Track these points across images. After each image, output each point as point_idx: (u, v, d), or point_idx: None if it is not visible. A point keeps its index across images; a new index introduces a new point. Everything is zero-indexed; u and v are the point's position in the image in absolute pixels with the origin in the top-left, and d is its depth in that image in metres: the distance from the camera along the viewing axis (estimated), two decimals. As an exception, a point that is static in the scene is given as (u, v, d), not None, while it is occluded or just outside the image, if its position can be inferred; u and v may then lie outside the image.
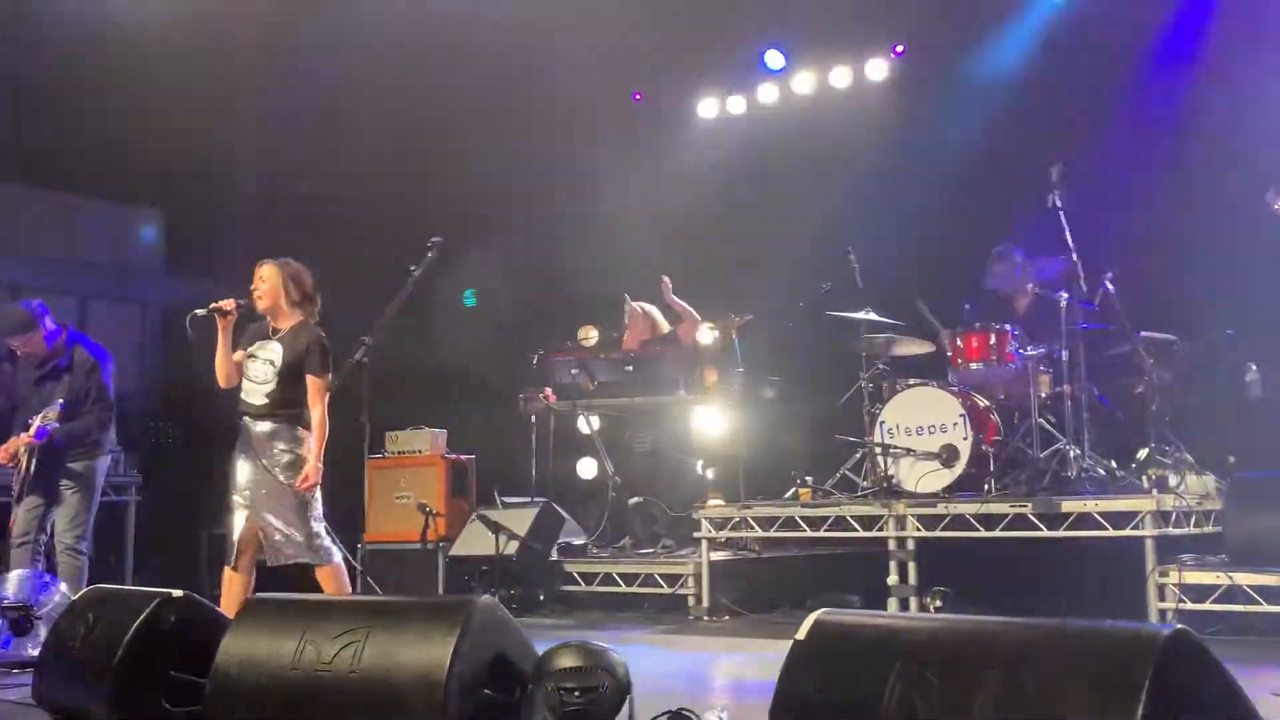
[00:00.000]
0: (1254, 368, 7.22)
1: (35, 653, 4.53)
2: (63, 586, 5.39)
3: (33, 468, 6.11)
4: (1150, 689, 2.08)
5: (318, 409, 5.19)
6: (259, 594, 3.73)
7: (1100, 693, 2.13)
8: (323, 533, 5.20)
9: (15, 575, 5.62)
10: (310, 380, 5.21)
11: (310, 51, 8.99)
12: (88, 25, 8.40)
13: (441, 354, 9.44)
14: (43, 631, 4.69)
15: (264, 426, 5.20)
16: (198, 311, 5.28)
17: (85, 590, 4.36)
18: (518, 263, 9.83)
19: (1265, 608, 5.59)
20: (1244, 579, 5.65)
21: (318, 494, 5.19)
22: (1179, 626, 2.31)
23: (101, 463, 6.36)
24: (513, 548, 7.51)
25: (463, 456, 8.66)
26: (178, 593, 3.88)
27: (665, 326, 8.48)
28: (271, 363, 5.25)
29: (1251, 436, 6.93)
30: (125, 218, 11.03)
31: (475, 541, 7.76)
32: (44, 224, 10.43)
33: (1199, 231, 7.56)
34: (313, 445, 5.18)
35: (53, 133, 9.12)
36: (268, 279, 5.34)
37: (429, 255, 5.81)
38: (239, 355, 5.36)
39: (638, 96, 10.71)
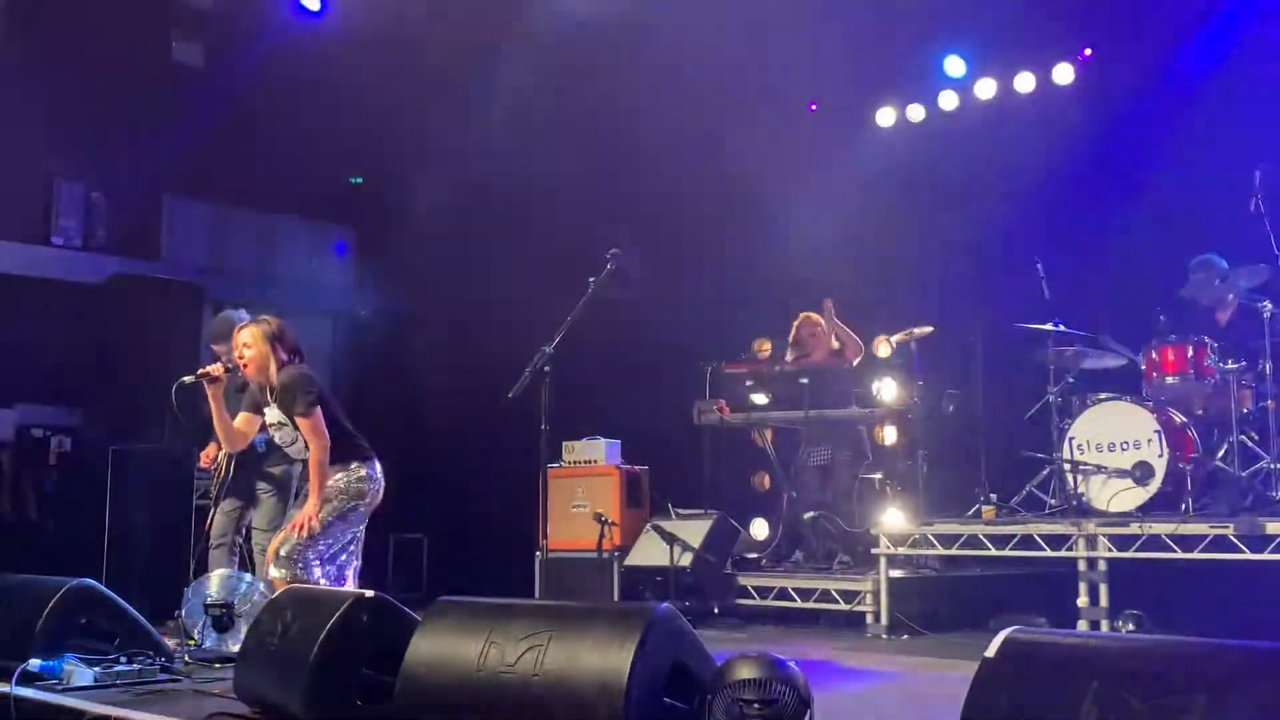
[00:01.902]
0: None
1: (236, 649, 4.76)
2: (262, 586, 5.65)
3: (231, 471, 6.45)
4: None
5: (312, 446, 5.17)
6: (447, 596, 3.83)
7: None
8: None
9: (218, 574, 5.92)
10: (298, 423, 5.20)
11: (498, 62, 9.25)
12: (277, 43, 8.85)
13: (618, 365, 9.56)
14: (243, 629, 4.92)
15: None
16: (185, 379, 5.23)
17: (283, 590, 4.56)
18: (696, 274, 9.88)
19: None
20: None
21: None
22: None
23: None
24: (687, 559, 7.52)
25: (637, 467, 8.73)
26: (370, 593, 4.02)
27: (837, 343, 8.35)
28: (284, 424, 5.26)
29: None
30: (318, 233, 11.57)
31: (650, 552, 7.81)
32: (243, 240, 11.05)
33: None
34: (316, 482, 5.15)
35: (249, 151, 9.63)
36: (252, 344, 5.26)
37: (609, 266, 5.88)
38: (240, 421, 5.36)
39: (813, 106, 10.64)
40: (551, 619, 3.45)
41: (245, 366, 5.31)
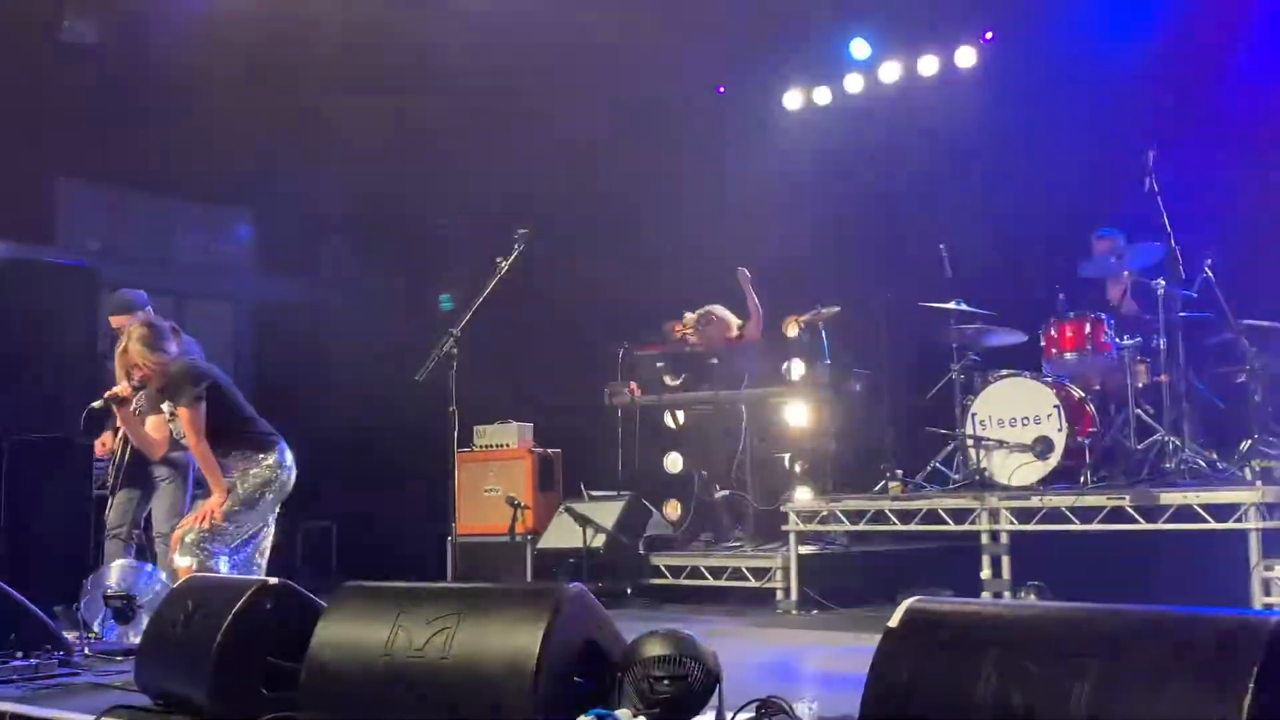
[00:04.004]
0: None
1: (137, 640, 4.65)
2: (163, 575, 5.52)
3: (128, 458, 6.28)
4: (1259, 677, 2.01)
5: (189, 439, 5.14)
6: (353, 581, 3.77)
7: (1205, 681, 2.06)
8: None
9: (118, 565, 5.77)
10: (178, 413, 5.16)
11: (395, 50, 9.12)
12: (176, 27, 8.62)
13: (530, 348, 9.52)
14: (145, 620, 4.81)
15: None
16: (94, 405, 5.16)
17: (184, 579, 4.46)
18: (604, 256, 9.86)
19: (1379, 603, 5.39)
20: (1356, 573, 5.45)
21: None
22: (1289, 615, 2.23)
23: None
24: (600, 540, 7.54)
25: (549, 450, 8.71)
26: (274, 580, 3.95)
27: (735, 325, 8.40)
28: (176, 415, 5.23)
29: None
30: (216, 217, 11.30)
31: (563, 534, 7.81)
32: (138, 224, 10.75)
33: (1250, 218, 7.31)
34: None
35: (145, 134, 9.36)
36: (141, 362, 5.13)
37: (517, 247, 5.84)
38: (151, 426, 5.31)
39: (721, 90, 10.67)
40: (460, 601, 3.42)
41: (146, 379, 5.19)
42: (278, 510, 5.38)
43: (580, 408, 9.01)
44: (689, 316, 8.41)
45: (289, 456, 5.32)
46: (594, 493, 8.23)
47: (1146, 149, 6.86)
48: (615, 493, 8.21)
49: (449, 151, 9.44)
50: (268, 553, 5.40)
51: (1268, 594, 5.71)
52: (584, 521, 7.51)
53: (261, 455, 5.23)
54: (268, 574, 5.07)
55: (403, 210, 9.91)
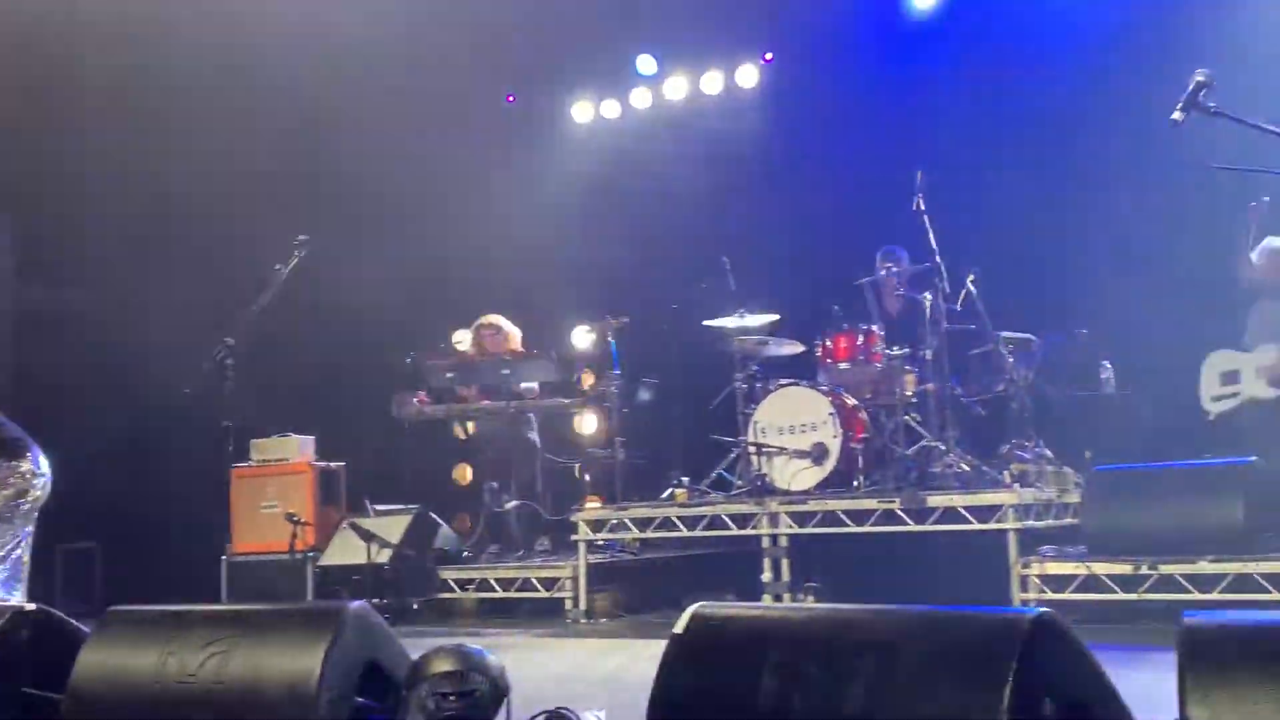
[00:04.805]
0: (1107, 365, 7.54)
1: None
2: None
3: None
4: (1017, 670, 2.14)
5: None
6: (118, 605, 3.57)
7: (970, 674, 2.18)
8: None
9: None
10: None
11: (167, 51, 8.70)
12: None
13: (310, 357, 9.22)
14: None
15: None
16: None
17: (-71, 609, 4.11)
18: (389, 264, 9.66)
19: (1121, 596, 5.82)
20: (1101, 569, 5.87)
21: None
22: (1044, 610, 2.38)
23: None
24: (385, 556, 7.37)
25: (333, 464, 8.47)
26: (31, 606, 3.70)
27: (517, 336, 8.38)
28: None
29: (1106, 431, 7.23)
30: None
31: (346, 550, 7.60)
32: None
33: (1056, 234, 7.85)
34: None
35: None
36: None
37: (296, 254, 5.66)
38: None
39: (511, 98, 10.65)
40: (234, 624, 3.29)
41: None
42: (33, 523, 5.01)
43: (365, 419, 8.80)
44: (487, 318, 8.34)
45: (44, 463, 4.97)
46: (379, 507, 8.03)
47: (915, 169, 7.24)
48: (402, 506, 8.04)
49: (229, 154, 9.05)
50: (28, 567, 5.04)
51: (1024, 590, 6.08)
52: (368, 537, 7.33)
53: (14, 462, 4.88)
54: (25, 600, 4.74)
55: (179, 215, 9.45)
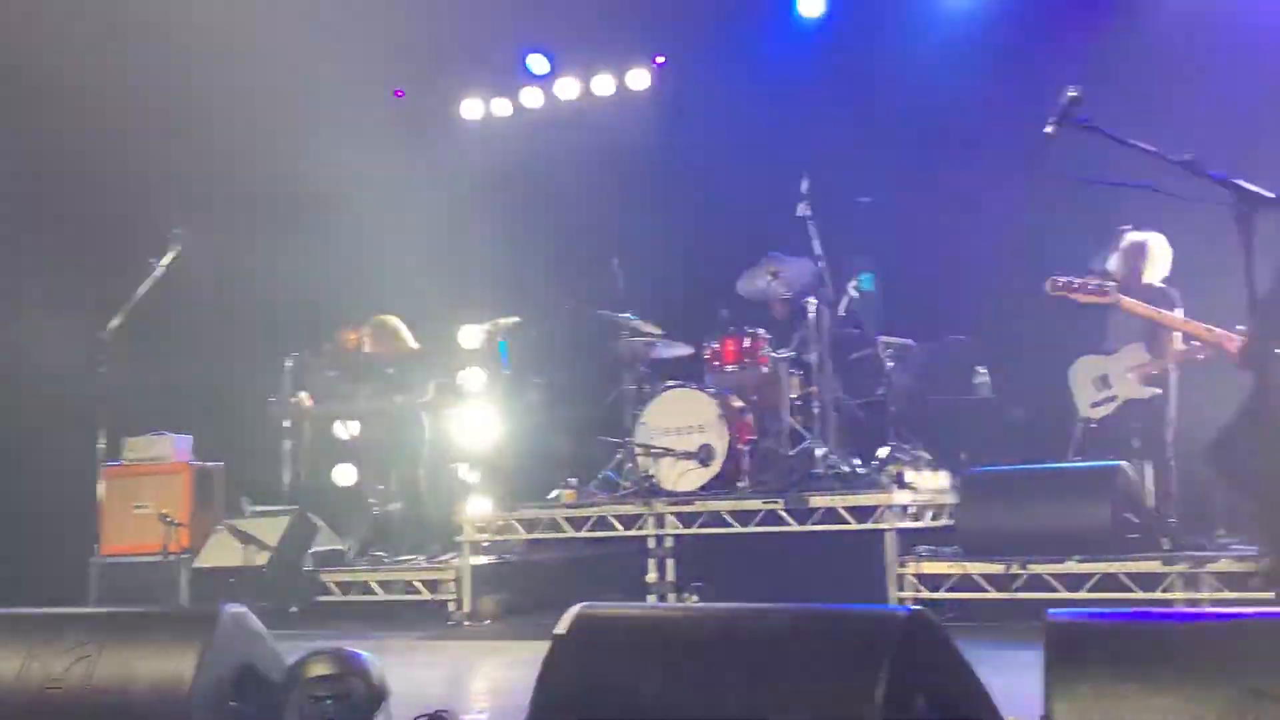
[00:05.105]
0: (982, 370, 7.76)
1: None
2: None
3: None
4: (890, 666, 2.19)
5: None
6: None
7: (846, 670, 2.23)
8: None
9: None
10: None
11: (54, 38, 8.37)
12: None
13: (188, 354, 8.96)
14: None
15: None
16: None
17: None
18: (273, 260, 9.45)
19: (992, 594, 5.99)
20: (974, 568, 6.04)
21: None
22: (916, 608, 2.44)
23: None
24: (263, 558, 7.21)
25: (209, 464, 8.26)
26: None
27: (408, 336, 8.29)
28: None
29: (981, 434, 7.44)
30: None
31: (222, 553, 7.41)
32: None
33: (935, 242, 8.05)
34: None
35: None
36: None
37: (173, 246, 5.51)
38: None
39: (399, 94, 10.51)
40: (103, 627, 3.19)
41: None
42: None
43: (244, 419, 8.58)
44: (380, 317, 8.21)
45: None
46: (257, 508, 7.85)
47: (803, 174, 7.36)
48: (281, 508, 7.88)
49: (104, 144, 8.74)
50: None
51: (901, 589, 6.23)
52: (246, 539, 7.16)
53: None
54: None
55: (51, 205, 9.09)
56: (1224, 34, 7.28)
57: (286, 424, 8.17)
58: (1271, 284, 4.07)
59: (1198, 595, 5.52)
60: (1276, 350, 4.09)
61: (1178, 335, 6.27)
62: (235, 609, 3.26)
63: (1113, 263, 6.60)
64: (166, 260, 5.48)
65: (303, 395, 8.14)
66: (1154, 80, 7.24)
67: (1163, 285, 6.47)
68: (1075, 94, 3.80)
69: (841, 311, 7.49)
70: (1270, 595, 4.75)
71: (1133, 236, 6.56)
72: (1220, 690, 2.08)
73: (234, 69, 8.77)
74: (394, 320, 8.26)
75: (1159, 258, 6.50)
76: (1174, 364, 6.33)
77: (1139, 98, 6.66)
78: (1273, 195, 3.73)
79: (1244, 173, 3.82)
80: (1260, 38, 7.05)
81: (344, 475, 8.50)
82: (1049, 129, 3.79)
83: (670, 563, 6.81)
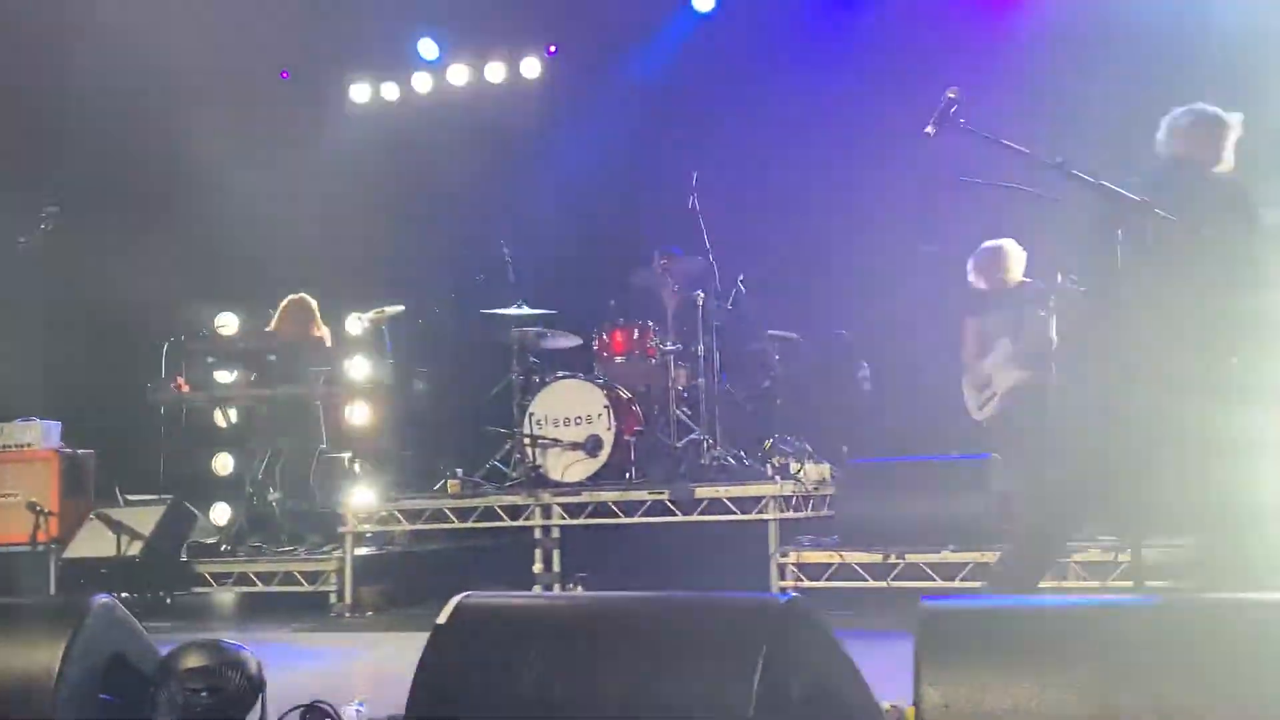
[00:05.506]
0: (865, 365, 7.92)
1: None
2: None
3: None
4: (767, 652, 2.23)
5: None
6: None
7: (724, 656, 2.26)
8: None
9: None
10: None
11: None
12: None
13: (59, 338, 8.65)
14: None
15: None
16: None
17: None
18: (152, 242, 9.16)
19: (870, 583, 6.14)
20: (853, 557, 6.18)
21: None
22: (794, 596, 2.50)
23: None
24: (136, 548, 7.02)
25: (80, 451, 7.99)
26: None
27: (321, 324, 8.14)
28: None
29: (862, 427, 7.60)
30: None
31: (94, 542, 7.19)
32: None
33: (821, 237, 8.19)
34: None
35: None
36: None
37: (42, 226, 5.31)
38: None
39: (285, 75, 10.27)
40: (-38, 619, 3.08)
41: None
42: None
43: (118, 405, 8.33)
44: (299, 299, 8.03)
45: None
46: (131, 497, 7.63)
47: (693, 167, 7.41)
48: (156, 497, 7.67)
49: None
50: None
51: (783, 578, 6.33)
52: (119, 528, 6.96)
53: None
54: None
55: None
56: (1097, 40, 7.53)
57: (162, 411, 7.95)
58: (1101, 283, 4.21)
59: (1065, 584, 5.73)
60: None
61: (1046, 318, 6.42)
62: (105, 600, 3.18)
63: (973, 274, 6.77)
64: (35, 238, 5.28)
65: (180, 380, 7.93)
66: (1029, 83, 7.47)
67: (1031, 280, 6.66)
68: (953, 95, 3.90)
69: (729, 305, 7.58)
70: (1129, 584, 4.95)
71: (988, 245, 6.76)
72: (1080, 673, 2.16)
73: (112, 47, 8.48)
74: (311, 302, 8.09)
75: (1017, 259, 6.71)
76: (1043, 351, 6.48)
77: (1016, 101, 6.86)
78: (1137, 198, 3.88)
79: (1110, 175, 3.98)
80: (1130, 46, 7.30)
81: (222, 464, 8.31)
82: (929, 129, 3.89)
83: (556, 553, 6.81)
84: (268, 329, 8.11)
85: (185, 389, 7.92)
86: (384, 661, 5.25)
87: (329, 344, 8.03)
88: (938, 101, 3.91)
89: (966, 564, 5.92)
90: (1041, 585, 5.76)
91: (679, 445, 7.20)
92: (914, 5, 8.37)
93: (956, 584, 5.91)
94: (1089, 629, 2.28)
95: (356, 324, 8.36)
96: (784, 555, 6.36)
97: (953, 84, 3.99)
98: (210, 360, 7.90)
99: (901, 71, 7.87)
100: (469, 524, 7.18)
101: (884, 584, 6.09)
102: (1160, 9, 7.25)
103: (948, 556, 5.97)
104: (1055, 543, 4.57)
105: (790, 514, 6.57)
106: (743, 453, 7.26)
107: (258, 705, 3.13)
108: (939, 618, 2.35)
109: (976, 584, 5.83)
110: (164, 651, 3.20)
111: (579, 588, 6.54)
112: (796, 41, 8.68)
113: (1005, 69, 7.38)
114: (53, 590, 7.23)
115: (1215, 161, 4.37)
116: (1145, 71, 7.05)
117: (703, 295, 7.36)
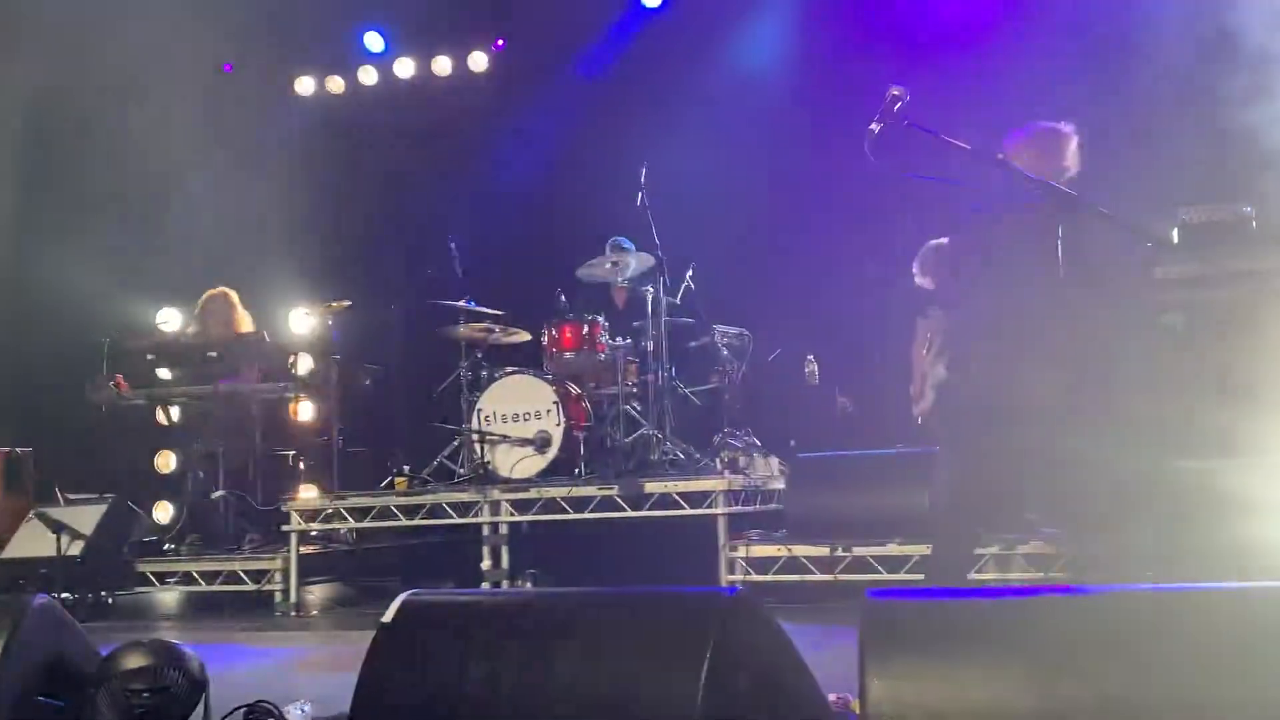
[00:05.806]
0: (812, 359, 7.96)
1: None
2: None
3: None
4: (714, 646, 2.24)
5: None
6: None
7: (671, 650, 2.26)
8: None
9: None
10: None
11: None
12: None
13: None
14: None
15: None
16: None
17: None
18: (91, 237, 9.00)
19: (818, 576, 6.18)
20: (800, 551, 6.22)
21: None
22: (740, 590, 2.50)
23: None
24: (77, 548, 6.90)
25: (18, 450, 7.84)
26: None
27: (247, 318, 8.04)
28: None
29: (810, 422, 7.64)
30: None
31: (33, 542, 7.06)
32: None
33: (768, 232, 8.23)
34: None
35: None
36: None
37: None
38: None
39: (228, 68, 10.13)
40: (-107, 622, 3.00)
41: None
42: None
43: (57, 403, 8.18)
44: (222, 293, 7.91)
45: None
46: (71, 496, 7.50)
47: (642, 162, 7.41)
48: (97, 496, 7.54)
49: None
50: None
51: (732, 572, 6.36)
52: (58, 528, 6.83)
53: None
54: None
55: None
56: (1046, 32, 7.60)
57: (102, 408, 7.82)
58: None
59: (1008, 576, 5.80)
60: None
61: None
62: (44, 600, 3.13)
63: (919, 274, 6.82)
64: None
65: (119, 378, 7.80)
66: (974, 80, 7.53)
67: None
68: (898, 92, 3.93)
69: (678, 300, 7.59)
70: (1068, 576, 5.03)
71: (932, 243, 6.81)
72: (1022, 664, 2.19)
73: (51, 39, 8.33)
74: (232, 294, 7.97)
75: None
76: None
77: (962, 97, 6.92)
78: (1076, 194, 3.94)
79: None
80: (1076, 43, 7.39)
81: (164, 462, 8.18)
82: (874, 126, 3.91)
83: (505, 550, 6.79)
84: (190, 330, 7.98)
85: (125, 387, 7.79)
86: (328, 661, 5.20)
87: (265, 337, 7.91)
88: (882, 98, 3.94)
89: (912, 557, 5.98)
90: (985, 575, 5.86)
91: (628, 440, 7.21)
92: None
93: (902, 576, 5.96)
94: (1031, 620, 2.31)
95: (302, 319, 8.26)
96: (733, 549, 6.38)
97: (899, 80, 4.02)
98: (151, 358, 7.77)
99: (848, 67, 7.92)
100: (416, 521, 7.13)
101: (831, 577, 6.13)
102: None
103: (894, 549, 6.02)
104: (964, 540, 4.60)
105: (739, 508, 6.59)
106: (692, 447, 7.27)
107: (200, 706, 3.08)
108: (883, 610, 2.37)
109: (921, 576, 5.90)
110: (105, 652, 3.16)
111: (528, 584, 6.52)
112: (744, 36, 8.70)
113: (953, 63, 7.44)
114: (-10, 592, 7.09)
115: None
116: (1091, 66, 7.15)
117: (651, 290, 7.36)
